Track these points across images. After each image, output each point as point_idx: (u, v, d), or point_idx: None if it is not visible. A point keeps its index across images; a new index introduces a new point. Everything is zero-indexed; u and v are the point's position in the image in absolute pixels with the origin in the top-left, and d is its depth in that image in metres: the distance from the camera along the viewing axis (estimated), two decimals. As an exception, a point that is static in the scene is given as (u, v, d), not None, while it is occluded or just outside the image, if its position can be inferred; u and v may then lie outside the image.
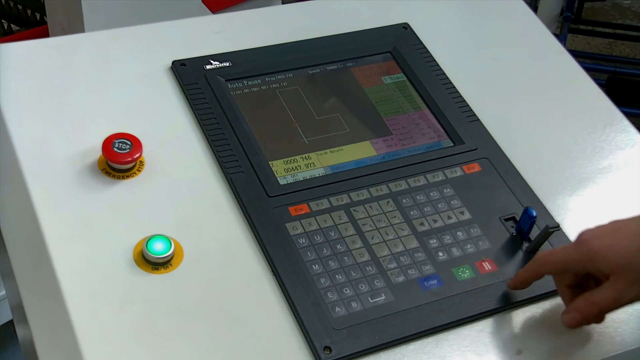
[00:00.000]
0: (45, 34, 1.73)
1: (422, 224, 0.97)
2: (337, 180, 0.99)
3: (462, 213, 0.99)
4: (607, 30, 3.07)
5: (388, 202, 0.98)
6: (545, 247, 0.96)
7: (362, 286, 0.90)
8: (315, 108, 1.06)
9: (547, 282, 0.94)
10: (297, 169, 0.99)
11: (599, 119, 1.15)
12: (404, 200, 0.99)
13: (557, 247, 0.90)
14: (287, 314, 0.87)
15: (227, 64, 1.08)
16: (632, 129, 1.14)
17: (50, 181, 0.93)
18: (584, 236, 0.84)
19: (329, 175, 1.00)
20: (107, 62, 1.07)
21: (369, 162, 1.02)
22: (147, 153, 0.97)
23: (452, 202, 1.00)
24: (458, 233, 0.97)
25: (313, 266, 0.90)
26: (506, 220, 0.99)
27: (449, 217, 0.98)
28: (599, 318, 0.86)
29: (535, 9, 2.64)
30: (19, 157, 0.94)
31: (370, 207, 0.97)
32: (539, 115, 1.14)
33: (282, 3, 1.94)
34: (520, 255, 0.96)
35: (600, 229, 0.84)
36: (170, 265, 0.88)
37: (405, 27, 1.19)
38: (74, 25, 1.58)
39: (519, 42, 1.23)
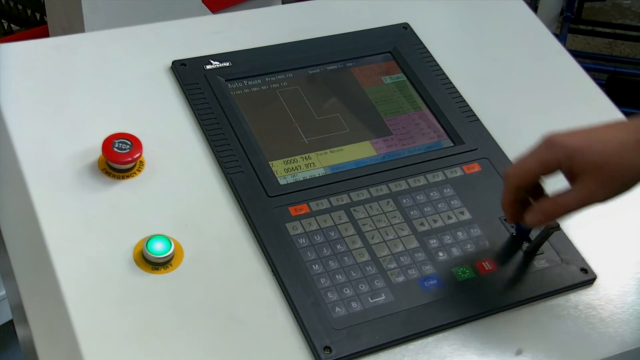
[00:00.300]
0: (45, 34, 1.73)
1: (422, 224, 0.97)
2: (337, 180, 0.99)
3: (462, 213, 0.99)
4: (607, 30, 3.07)
5: (388, 202, 0.98)
6: (546, 247, 0.96)
7: (362, 286, 0.90)
8: (315, 108, 1.06)
9: (547, 283, 0.94)
10: (297, 169, 0.99)
11: (599, 119, 1.14)
12: (404, 200, 0.99)
13: (522, 158, 0.86)
14: (287, 314, 0.87)
15: (227, 64, 1.08)
16: (632, 129, 1.14)
17: (50, 181, 0.93)
18: (554, 138, 0.83)
19: (329, 175, 1.00)
20: (107, 62, 1.07)
21: (369, 162, 1.02)
22: (147, 153, 0.97)
23: (452, 202, 1.00)
24: (458, 233, 0.97)
25: (313, 266, 0.90)
26: (506, 220, 0.99)
27: (449, 217, 0.98)
28: (559, 217, 0.86)
29: (535, 9, 2.64)
30: (19, 157, 0.94)
31: (370, 207, 0.97)
32: (539, 115, 1.14)
33: (282, 3, 1.94)
34: (520, 255, 0.96)
35: (569, 132, 0.84)
36: (170, 265, 0.88)
37: (405, 27, 1.19)
38: (74, 25, 1.59)
39: (519, 42, 1.23)
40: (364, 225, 0.95)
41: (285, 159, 1.00)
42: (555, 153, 0.83)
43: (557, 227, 0.93)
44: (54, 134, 0.97)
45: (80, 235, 0.89)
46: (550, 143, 0.84)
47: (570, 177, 0.84)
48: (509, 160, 1.05)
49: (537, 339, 0.91)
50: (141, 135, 0.96)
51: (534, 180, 0.87)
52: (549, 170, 0.85)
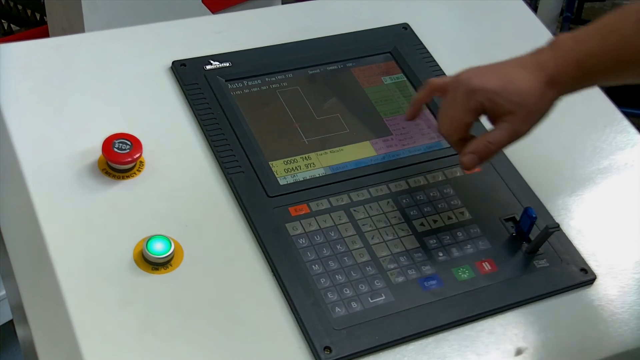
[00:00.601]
0: (45, 34, 1.73)
1: (422, 224, 0.97)
2: (337, 180, 0.99)
3: (462, 213, 0.99)
4: (607, 30, 3.06)
5: (388, 202, 0.98)
6: (545, 247, 0.96)
7: (362, 286, 0.90)
8: (315, 108, 1.06)
9: (547, 283, 0.94)
10: (297, 169, 0.99)
11: (599, 119, 1.15)
12: (404, 201, 0.99)
13: (448, 112, 0.93)
14: (287, 314, 0.87)
15: (227, 64, 1.08)
16: (632, 129, 1.15)
17: (50, 181, 0.93)
18: (472, 85, 0.90)
19: (329, 175, 1.00)
20: (107, 62, 1.07)
21: (369, 162, 1.02)
22: (147, 153, 0.97)
23: (452, 202, 1.00)
24: (458, 233, 0.97)
25: (313, 266, 0.90)
26: (506, 220, 0.99)
27: (449, 218, 0.98)
28: (492, 156, 0.93)
29: (535, 9, 2.64)
30: (19, 157, 0.94)
31: (370, 207, 0.97)
32: (539, 116, 1.14)
33: (282, 3, 1.94)
34: (520, 255, 0.96)
35: (479, 73, 0.91)
36: (170, 265, 0.88)
37: (405, 27, 1.19)
38: (74, 25, 1.59)
39: (519, 42, 1.22)
40: (363, 225, 0.95)
41: (285, 159, 1.00)
42: (477, 99, 0.90)
43: (557, 227, 0.94)
44: (54, 134, 0.97)
45: (80, 235, 0.89)
46: (470, 90, 0.90)
47: (493, 117, 0.91)
48: (509, 160, 1.05)
49: (537, 339, 0.91)
50: (141, 135, 0.96)
51: (468, 129, 0.93)
52: (477, 116, 0.92)
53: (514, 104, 0.89)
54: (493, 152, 0.91)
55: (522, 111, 0.89)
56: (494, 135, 0.91)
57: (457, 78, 0.92)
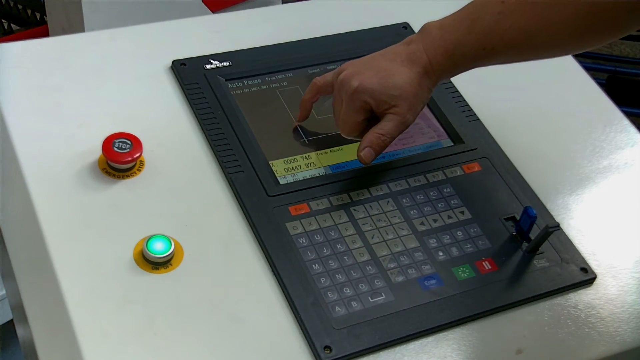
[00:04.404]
0: (45, 34, 1.73)
1: (422, 223, 0.97)
2: (337, 180, 0.99)
3: (462, 213, 0.99)
4: (607, 29, 3.06)
5: (388, 201, 0.98)
6: (545, 247, 0.96)
7: (362, 286, 0.90)
8: (315, 108, 1.06)
9: (547, 282, 0.94)
10: (297, 169, 0.99)
11: (599, 118, 1.15)
12: (404, 200, 0.99)
13: (340, 116, 0.96)
14: (287, 314, 0.87)
15: (227, 64, 1.08)
16: (632, 129, 1.15)
17: (50, 181, 0.93)
18: (353, 87, 0.93)
19: (329, 174, 1.00)
20: (107, 61, 1.07)
21: (369, 162, 1.02)
22: (147, 153, 0.97)
23: (452, 202, 1.00)
24: (458, 233, 0.97)
25: (313, 266, 0.90)
26: (506, 220, 0.99)
27: (449, 217, 0.98)
28: (386, 146, 0.96)
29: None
30: (19, 157, 0.94)
31: (370, 206, 0.97)
32: (538, 115, 1.14)
33: (282, 3, 1.94)
34: (520, 254, 0.96)
35: (355, 71, 0.95)
36: (170, 265, 0.88)
37: (405, 27, 1.19)
38: (74, 25, 1.59)
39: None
40: (364, 224, 0.95)
41: (285, 159, 1.00)
42: (363, 100, 0.94)
43: (557, 227, 0.94)
44: (54, 133, 0.97)
45: (80, 235, 0.89)
46: (352, 91, 0.94)
47: (379, 111, 0.95)
48: (509, 160, 1.05)
49: (537, 339, 0.91)
50: (141, 135, 0.96)
51: (364, 125, 0.96)
52: (367, 113, 0.95)
53: (395, 97, 0.93)
54: (386, 143, 0.95)
55: (405, 103, 0.93)
56: (384, 127, 0.95)
57: (338, 78, 0.96)
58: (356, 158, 1.00)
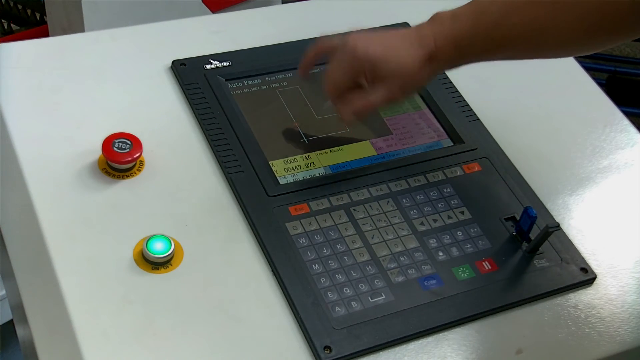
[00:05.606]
0: (45, 34, 1.73)
1: (422, 223, 0.97)
2: (337, 180, 0.99)
3: (462, 213, 0.99)
4: (607, 29, 3.06)
5: (388, 201, 0.98)
6: (546, 247, 0.96)
7: (362, 286, 0.90)
8: (315, 108, 1.06)
9: (547, 282, 0.94)
10: (297, 169, 0.99)
11: (599, 118, 1.15)
12: (404, 200, 0.99)
13: (331, 70, 0.97)
14: (287, 314, 0.87)
15: (227, 64, 1.08)
16: (632, 129, 1.15)
17: (50, 181, 0.93)
18: (356, 50, 0.94)
19: (329, 175, 1.00)
20: (107, 61, 1.07)
21: (369, 162, 1.02)
22: (147, 153, 0.97)
23: (452, 202, 1.00)
24: (458, 233, 0.97)
25: (313, 266, 0.90)
26: (506, 220, 0.99)
27: (449, 217, 0.98)
28: (368, 114, 0.98)
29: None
30: (19, 157, 0.94)
31: (370, 206, 0.97)
32: (539, 115, 1.14)
33: (282, 3, 1.94)
34: (520, 254, 0.96)
35: (365, 39, 0.95)
36: (170, 265, 0.88)
37: (405, 27, 1.19)
38: (74, 25, 1.59)
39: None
40: (364, 225, 0.95)
41: (285, 159, 1.00)
42: (359, 65, 0.94)
43: (557, 227, 0.94)
44: (54, 133, 0.97)
45: (80, 235, 0.89)
46: (354, 57, 0.95)
47: (372, 81, 0.95)
48: (509, 160, 1.05)
49: (537, 339, 0.91)
50: (141, 134, 0.96)
51: (347, 89, 0.97)
52: (356, 78, 0.96)
53: (392, 71, 0.94)
54: (367, 111, 0.97)
55: (399, 80, 0.94)
56: (372, 96, 0.96)
57: (345, 42, 0.96)
58: (356, 158, 1.01)
